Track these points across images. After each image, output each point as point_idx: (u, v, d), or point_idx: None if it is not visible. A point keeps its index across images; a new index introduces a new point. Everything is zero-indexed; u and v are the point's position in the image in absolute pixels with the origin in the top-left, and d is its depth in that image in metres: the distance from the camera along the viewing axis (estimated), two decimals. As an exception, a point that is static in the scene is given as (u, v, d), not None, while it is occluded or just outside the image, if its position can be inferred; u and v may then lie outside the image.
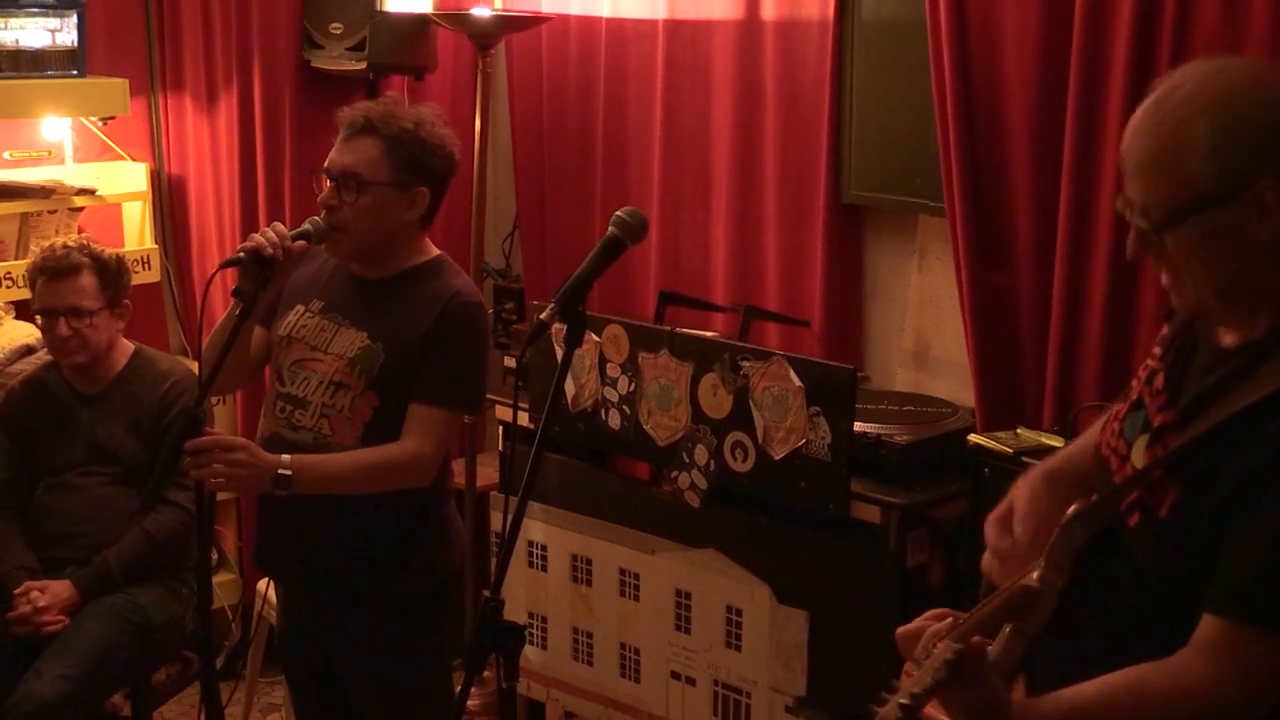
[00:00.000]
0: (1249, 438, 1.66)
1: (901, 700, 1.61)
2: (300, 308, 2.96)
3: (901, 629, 1.85)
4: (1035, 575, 1.82)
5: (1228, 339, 1.78)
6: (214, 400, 4.01)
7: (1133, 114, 1.78)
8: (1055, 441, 3.03)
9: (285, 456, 2.75)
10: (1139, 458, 1.80)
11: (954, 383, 3.61)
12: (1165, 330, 1.93)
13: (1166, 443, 1.76)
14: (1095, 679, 1.69)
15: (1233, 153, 1.68)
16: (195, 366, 3.59)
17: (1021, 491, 1.97)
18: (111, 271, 3.55)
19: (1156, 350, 1.91)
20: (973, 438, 3.13)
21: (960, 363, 3.50)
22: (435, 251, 2.99)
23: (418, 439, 2.83)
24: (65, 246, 3.55)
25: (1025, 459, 2.95)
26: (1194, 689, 1.65)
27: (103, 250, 3.58)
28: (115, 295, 3.56)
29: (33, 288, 3.56)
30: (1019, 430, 3.13)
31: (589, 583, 3.72)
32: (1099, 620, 1.78)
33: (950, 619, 1.84)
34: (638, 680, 3.66)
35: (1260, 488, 1.64)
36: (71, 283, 3.49)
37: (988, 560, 1.96)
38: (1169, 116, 1.71)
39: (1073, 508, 1.83)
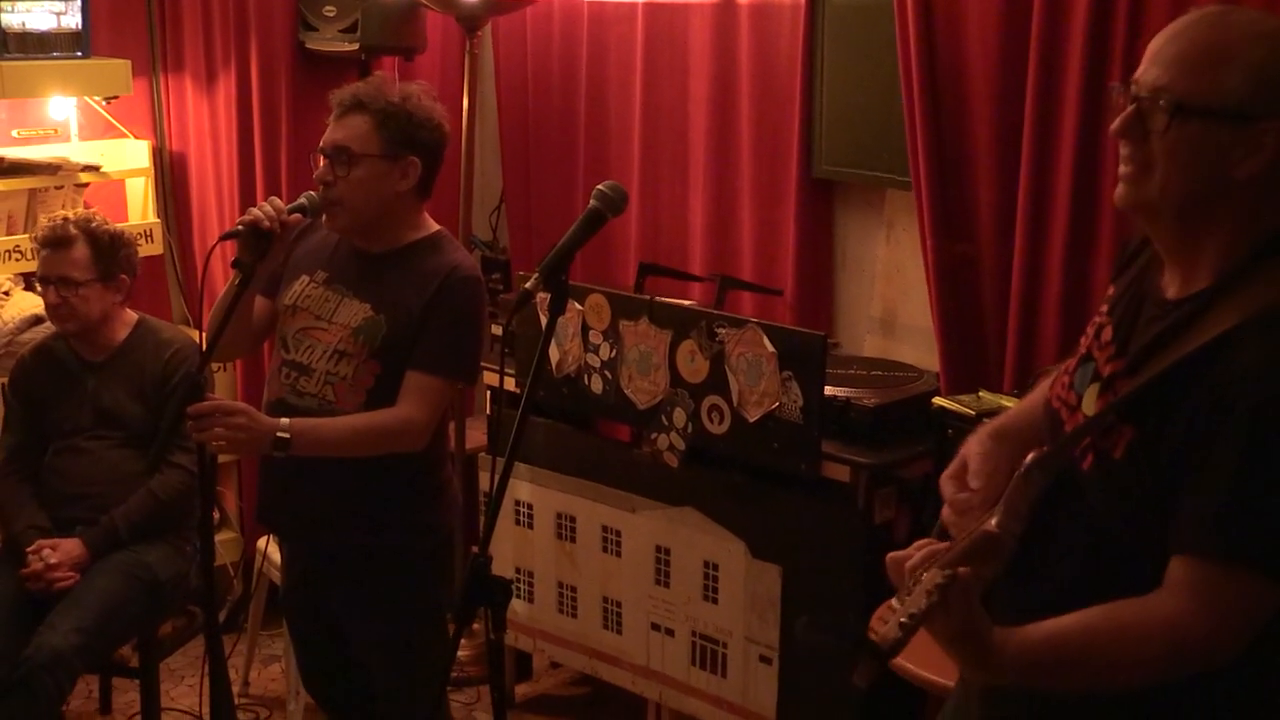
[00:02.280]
0: (1198, 380, 1.65)
1: (901, 619, 1.61)
2: (305, 278, 2.95)
3: (891, 555, 1.82)
4: (994, 522, 1.81)
5: (1172, 291, 1.77)
6: (215, 367, 4.00)
7: (1174, 21, 1.73)
8: (1015, 404, 3.04)
9: (284, 420, 2.75)
10: (1090, 406, 1.79)
11: (919, 348, 3.62)
12: (1112, 290, 1.92)
13: (1117, 389, 1.75)
14: (1073, 613, 1.68)
15: (1272, 87, 1.65)
16: (197, 335, 3.58)
17: (973, 448, 1.96)
18: (104, 245, 3.53)
19: (1104, 308, 1.89)
20: (937, 400, 3.14)
21: (925, 329, 3.50)
22: (435, 226, 2.97)
23: (412, 405, 2.82)
24: (64, 219, 3.54)
25: (987, 420, 2.95)
26: (1166, 623, 1.63)
27: (101, 225, 3.56)
28: (108, 269, 3.53)
29: (38, 258, 3.56)
30: (981, 393, 3.14)
31: (573, 539, 3.73)
32: (1054, 565, 1.77)
33: (936, 549, 1.83)
34: (620, 632, 3.67)
35: (1209, 429, 1.63)
36: (65, 254, 3.49)
37: (946, 514, 1.96)
38: (1233, 26, 1.68)
39: (1030, 456, 1.82)
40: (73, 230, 3.50)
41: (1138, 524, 1.70)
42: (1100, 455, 1.75)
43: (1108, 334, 1.84)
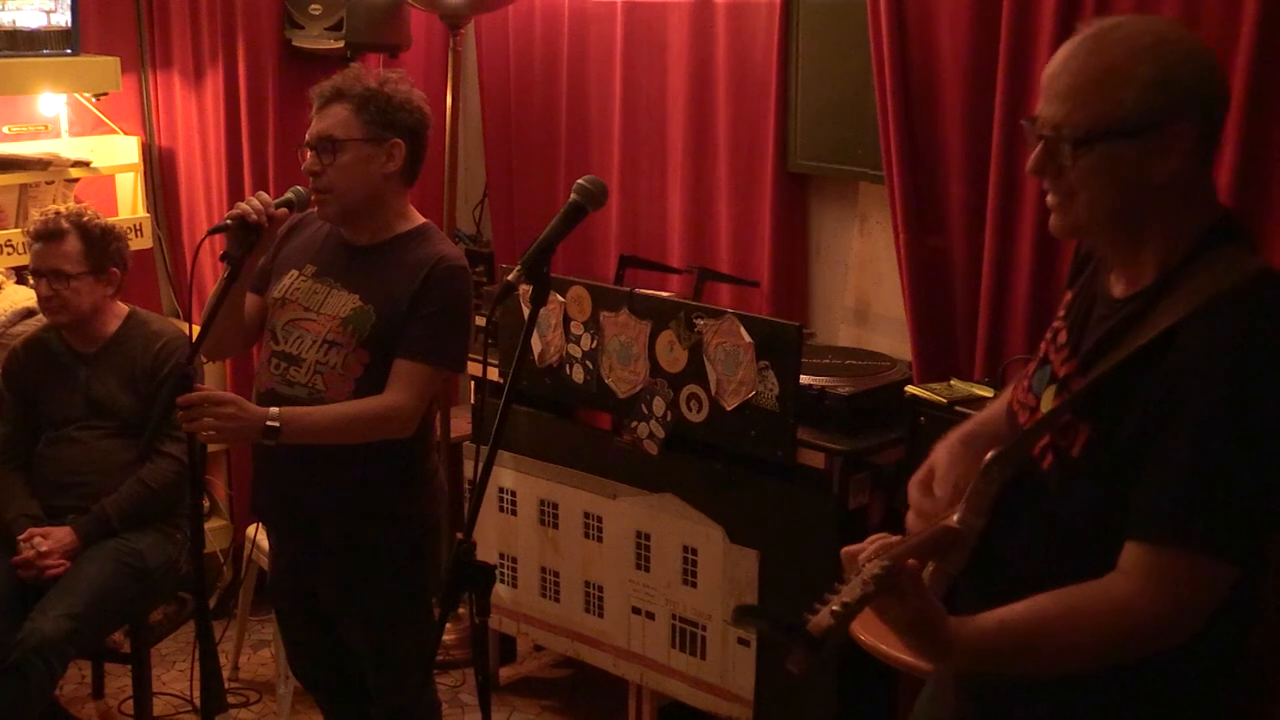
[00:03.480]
0: (1148, 374, 1.66)
1: (834, 608, 1.60)
2: (294, 272, 2.94)
3: (846, 548, 1.83)
4: (956, 518, 1.82)
5: (1119, 290, 1.78)
6: (203, 359, 3.98)
7: (1061, 47, 1.75)
8: (985, 392, 3.05)
9: (273, 409, 2.74)
10: (1048, 407, 1.80)
11: (892, 338, 3.62)
12: (1068, 296, 1.93)
13: (1072, 388, 1.76)
14: (1026, 599, 1.68)
15: (1164, 92, 1.67)
16: (186, 327, 3.56)
17: (941, 455, 1.96)
18: (95, 239, 3.51)
19: (1061, 313, 1.91)
20: (910, 389, 3.14)
21: (898, 319, 3.51)
22: (421, 219, 2.96)
23: (399, 392, 2.81)
24: (57, 213, 3.52)
25: (958, 408, 2.97)
26: (1118, 605, 1.64)
27: (92, 219, 3.54)
28: (99, 262, 3.52)
29: (31, 251, 3.54)
30: (952, 381, 3.14)
31: (555, 525, 3.73)
32: (1018, 561, 1.77)
33: (888, 542, 1.83)
34: (601, 615, 3.67)
35: (1161, 421, 1.63)
36: (56, 246, 3.47)
37: (912, 519, 1.96)
38: (1113, 46, 1.69)
39: (990, 453, 1.82)
40: (64, 224, 3.48)
41: (1097, 520, 1.70)
42: (1059, 454, 1.76)
43: (1063, 337, 1.86)
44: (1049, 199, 1.78)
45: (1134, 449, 1.66)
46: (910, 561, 1.67)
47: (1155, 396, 1.64)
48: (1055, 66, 1.74)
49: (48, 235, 3.48)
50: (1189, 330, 1.64)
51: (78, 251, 3.48)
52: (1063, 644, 1.67)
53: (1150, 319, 1.69)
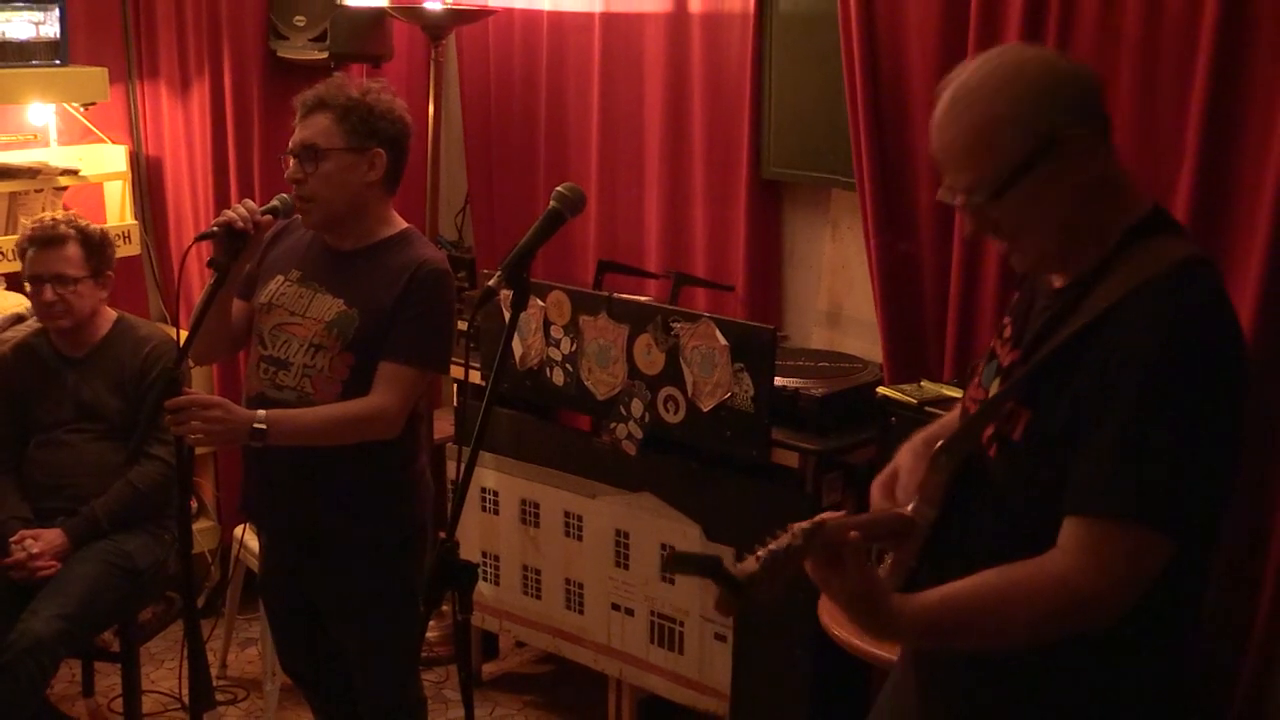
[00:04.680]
0: (1084, 355, 1.69)
1: (759, 554, 1.63)
2: (280, 278, 2.93)
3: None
4: (910, 507, 1.84)
5: (1058, 282, 1.81)
6: (191, 363, 3.97)
7: (935, 113, 1.78)
8: (955, 392, 3.06)
9: (261, 412, 2.73)
10: None
11: (864, 340, 3.63)
12: (1016, 296, 1.96)
13: (1015, 376, 1.79)
14: (969, 576, 1.70)
15: (1036, 113, 1.70)
16: (173, 332, 3.55)
17: (905, 458, 1.97)
18: (95, 244, 3.51)
19: (1009, 313, 1.94)
20: (881, 390, 3.16)
21: (870, 322, 3.52)
22: (403, 224, 2.95)
23: (384, 394, 2.81)
24: (54, 219, 3.51)
25: (928, 408, 2.98)
26: (1055, 579, 1.65)
27: (88, 224, 3.54)
28: (98, 266, 3.52)
29: (23, 258, 3.51)
30: (923, 383, 3.16)
31: (536, 524, 3.73)
32: (968, 549, 1.78)
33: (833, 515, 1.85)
34: (582, 612, 3.67)
35: (1095, 400, 1.66)
36: (58, 252, 3.45)
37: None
38: (971, 103, 1.73)
39: (938, 444, 1.85)
40: (65, 229, 3.47)
41: (1039, 502, 1.72)
42: (1002, 440, 1.78)
43: (1008, 331, 1.89)
44: (1002, 249, 1.81)
45: (1069, 429, 1.68)
46: (853, 534, 1.68)
47: (1090, 376, 1.67)
48: (935, 142, 1.78)
49: (48, 241, 3.46)
50: (1120, 313, 1.68)
51: (79, 256, 3.47)
52: (1002, 616, 1.68)
53: (1085, 304, 1.72)
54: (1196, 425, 1.63)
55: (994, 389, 1.84)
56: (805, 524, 1.65)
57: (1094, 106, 1.75)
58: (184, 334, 2.78)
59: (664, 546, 3.43)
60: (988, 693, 1.83)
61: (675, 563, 1.73)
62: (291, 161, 2.82)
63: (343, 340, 2.82)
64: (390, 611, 2.98)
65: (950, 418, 2.08)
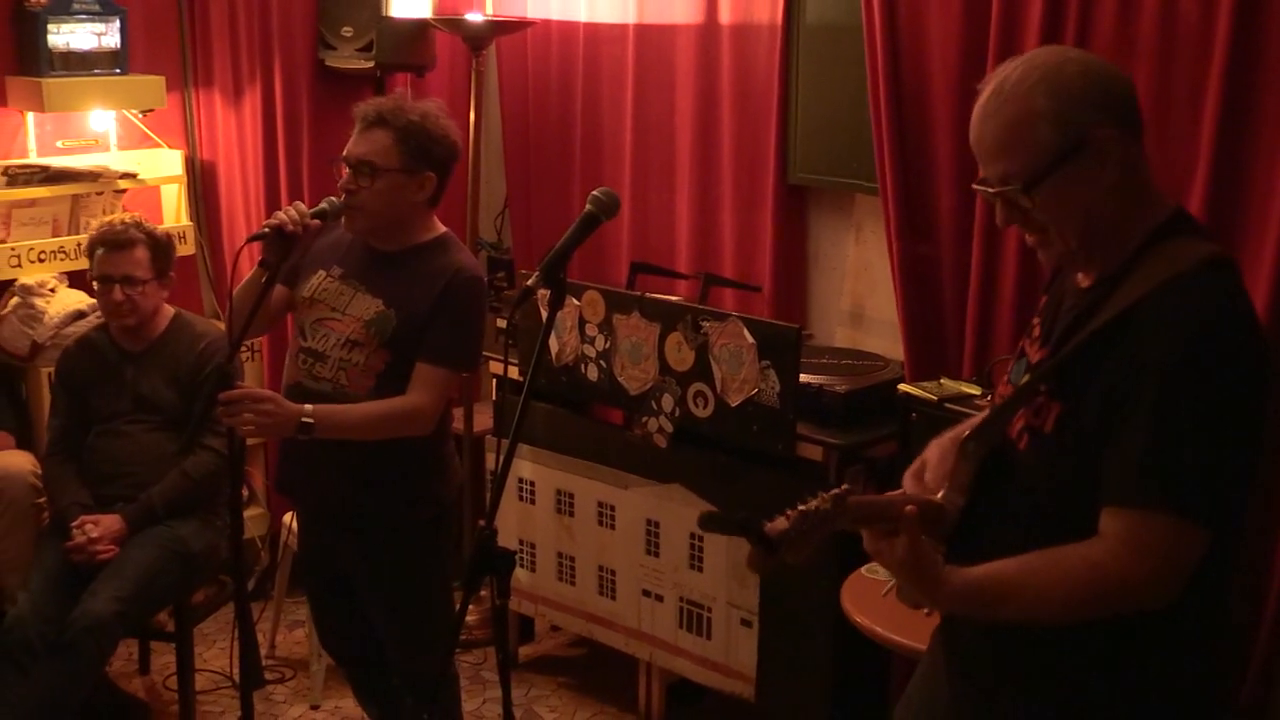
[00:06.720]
0: (1112, 349, 1.68)
1: (790, 513, 1.66)
2: (322, 273, 2.95)
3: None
4: (940, 495, 1.84)
5: (1084, 281, 1.81)
6: (244, 357, 3.99)
7: (975, 109, 1.78)
8: (973, 390, 3.06)
9: (308, 406, 2.75)
10: None
11: (886, 339, 3.62)
12: (1044, 299, 1.95)
13: (1042, 368, 1.79)
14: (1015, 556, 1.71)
15: (1071, 112, 1.70)
16: (226, 328, 3.57)
17: (933, 451, 1.98)
18: (162, 247, 3.55)
19: (1037, 315, 1.94)
20: (902, 387, 3.15)
21: (891, 322, 3.51)
22: (442, 229, 2.97)
23: (421, 394, 2.83)
24: (124, 223, 3.53)
25: (948, 405, 2.97)
26: (1089, 564, 1.66)
27: (155, 229, 3.57)
28: (163, 268, 3.55)
29: (91, 257, 3.54)
30: (942, 380, 3.15)
31: (571, 514, 3.73)
32: (996, 537, 1.78)
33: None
34: (614, 598, 3.67)
35: (1125, 393, 1.66)
36: (128, 254, 3.48)
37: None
38: (1010, 97, 1.73)
39: (966, 433, 1.85)
40: (135, 233, 3.50)
41: (1071, 494, 1.72)
42: (1033, 433, 1.78)
43: (1037, 331, 1.89)
44: (1029, 240, 1.81)
45: (1101, 422, 1.68)
46: (909, 508, 1.71)
47: (1118, 371, 1.67)
48: (974, 134, 1.78)
49: (118, 244, 3.48)
50: (1147, 309, 1.68)
51: (146, 259, 3.50)
52: (1039, 594, 1.69)
53: (1111, 301, 1.72)
54: (1223, 418, 1.63)
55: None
56: (838, 490, 1.69)
57: (1127, 110, 1.75)
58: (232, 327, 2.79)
59: (693, 536, 3.43)
60: (1017, 684, 1.82)
61: (709, 521, 1.75)
62: (345, 170, 2.83)
63: (380, 338, 2.83)
64: (422, 587, 2.99)
65: (979, 418, 2.08)
